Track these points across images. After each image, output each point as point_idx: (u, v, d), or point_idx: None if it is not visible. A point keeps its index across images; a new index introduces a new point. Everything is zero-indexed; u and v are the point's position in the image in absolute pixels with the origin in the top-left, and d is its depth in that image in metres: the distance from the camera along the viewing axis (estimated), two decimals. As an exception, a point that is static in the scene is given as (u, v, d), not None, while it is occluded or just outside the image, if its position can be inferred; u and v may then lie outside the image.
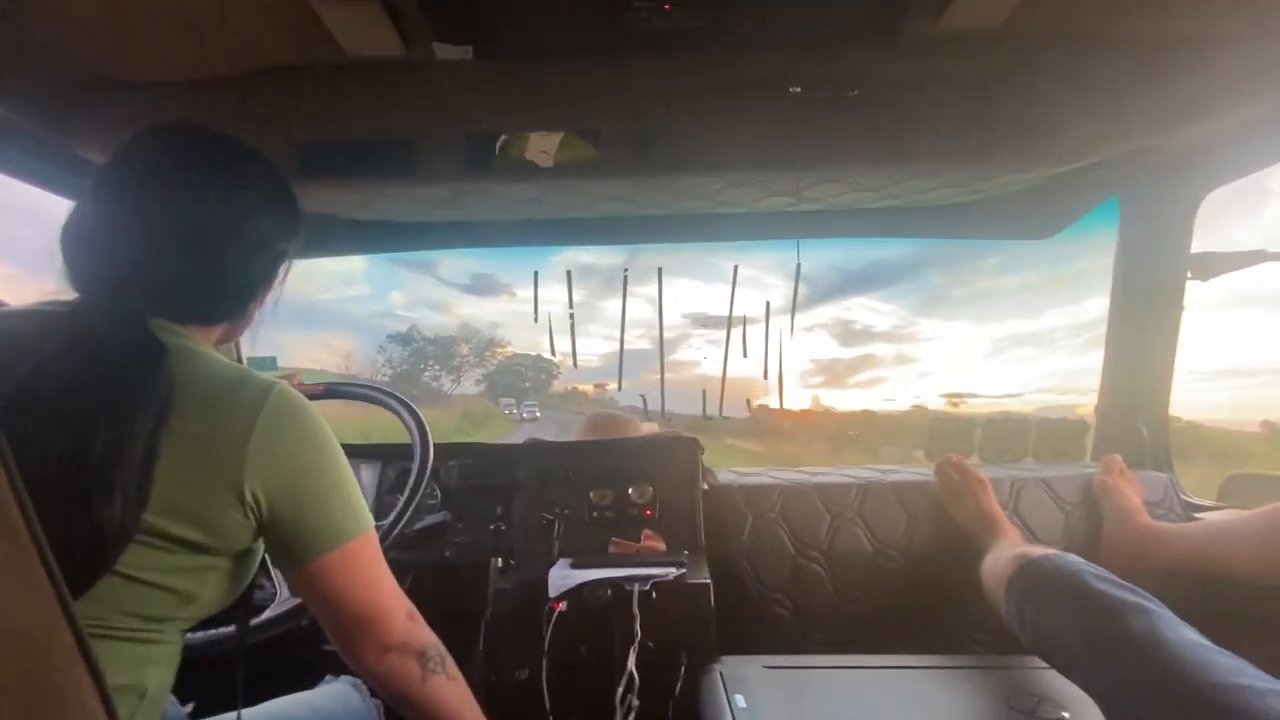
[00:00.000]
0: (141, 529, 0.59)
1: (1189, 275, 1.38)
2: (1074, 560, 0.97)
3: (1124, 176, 1.33)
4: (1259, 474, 1.36)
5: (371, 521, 0.74)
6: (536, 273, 1.60)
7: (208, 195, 0.68)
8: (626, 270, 1.61)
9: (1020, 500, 1.35)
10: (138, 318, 0.64)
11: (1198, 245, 1.36)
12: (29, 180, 1.17)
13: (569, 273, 1.58)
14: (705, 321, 1.62)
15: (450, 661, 0.79)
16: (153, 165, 0.68)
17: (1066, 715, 0.90)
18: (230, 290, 0.72)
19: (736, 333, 1.48)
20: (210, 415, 0.63)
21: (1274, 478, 1.33)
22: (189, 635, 0.81)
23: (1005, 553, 1.09)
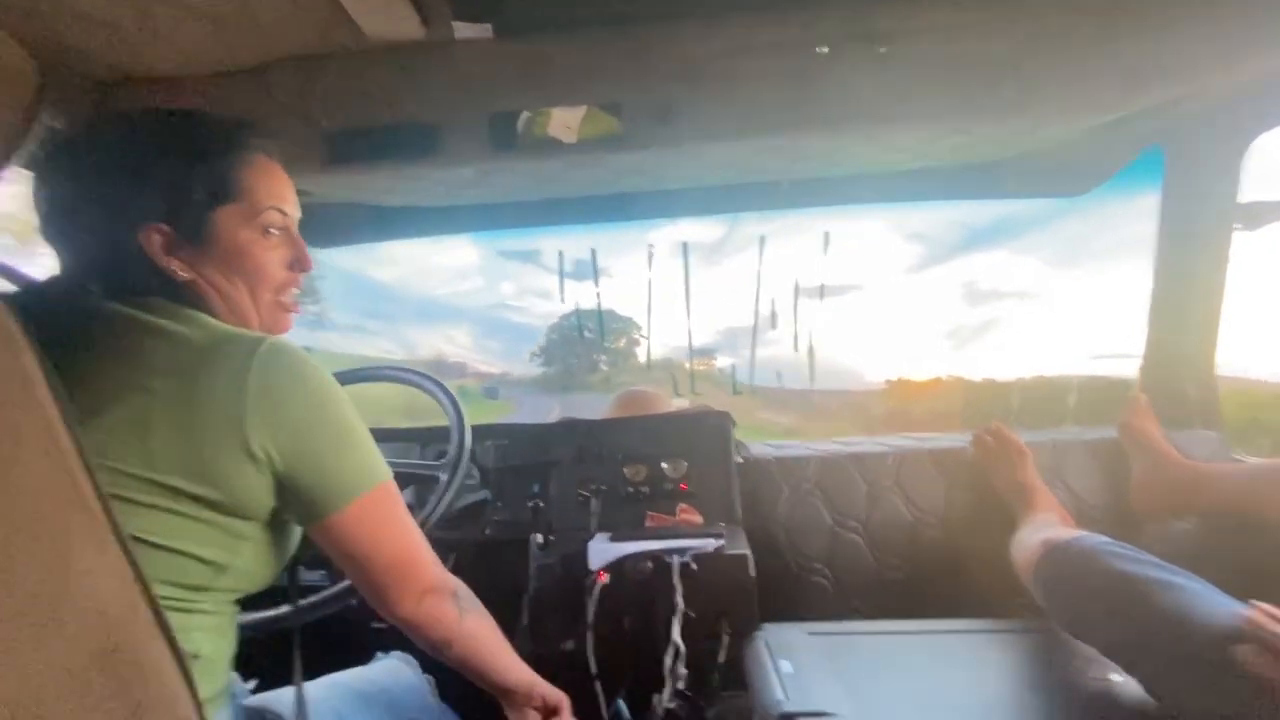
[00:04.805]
0: (156, 490, 0.61)
1: (1237, 226, 1.32)
2: (1099, 542, 0.95)
3: (1166, 125, 1.28)
4: None
5: (388, 470, 0.74)
6: (561, 253, 1.60)
7: (82, 172, 0.69)
8: (652, 246, 1.60)
9: (1064, 465, 1.33)
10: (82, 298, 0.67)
11: (1246, 194, 1.30)
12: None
13: (593, 250, 1.58)
14: (805, 292, 1.61)
15: (475, 597, 0.81)
16: (68, 152, 0.71)
17: (1117, 677, 0.89)
18: (116, 263, 0.69)
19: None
20: (197, 376, 0.63)
21: None
22: (246, 616, 0.83)
23: (1032, 536, 1.07)
